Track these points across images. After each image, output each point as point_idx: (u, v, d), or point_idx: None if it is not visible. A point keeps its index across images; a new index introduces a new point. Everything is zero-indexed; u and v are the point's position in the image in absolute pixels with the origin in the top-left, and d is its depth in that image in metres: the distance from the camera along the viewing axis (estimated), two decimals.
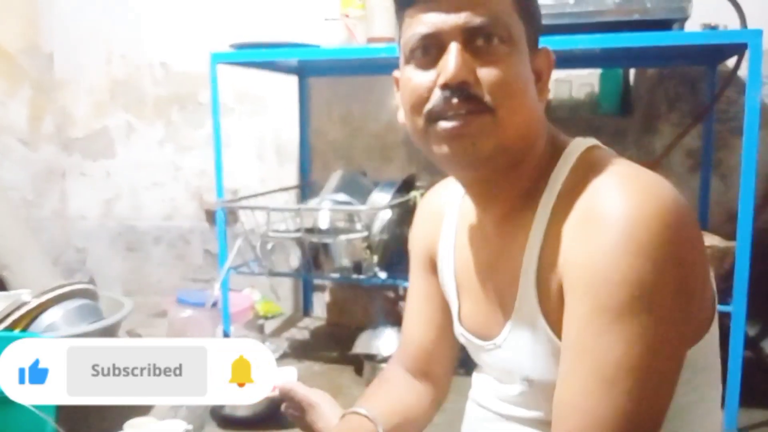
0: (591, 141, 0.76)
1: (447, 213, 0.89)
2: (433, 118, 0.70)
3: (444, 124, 0.69)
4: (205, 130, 2.71)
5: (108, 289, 2.79)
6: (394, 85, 0.82)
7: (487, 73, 0.68)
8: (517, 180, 0.75)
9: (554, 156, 0.75)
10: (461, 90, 0.68)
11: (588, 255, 0.64)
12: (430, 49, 0.70)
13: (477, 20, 0.68)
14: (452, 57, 0.68)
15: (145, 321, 2.56)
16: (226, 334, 2.03)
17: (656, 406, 0.63)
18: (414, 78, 0.72)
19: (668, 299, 0.62)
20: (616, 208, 0.63)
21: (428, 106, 0.70)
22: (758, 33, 1.51)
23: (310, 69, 2.46)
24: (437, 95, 0.69)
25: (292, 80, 2.54)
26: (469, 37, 0.68)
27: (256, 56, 2.01)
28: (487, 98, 0.68)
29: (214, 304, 1.91)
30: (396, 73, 0.80)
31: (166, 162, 2.82)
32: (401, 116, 0.78)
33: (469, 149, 0.69)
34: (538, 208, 0.72)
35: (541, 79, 0.74)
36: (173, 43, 2.74)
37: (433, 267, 0.92)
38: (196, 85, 2.73)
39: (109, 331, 1.64)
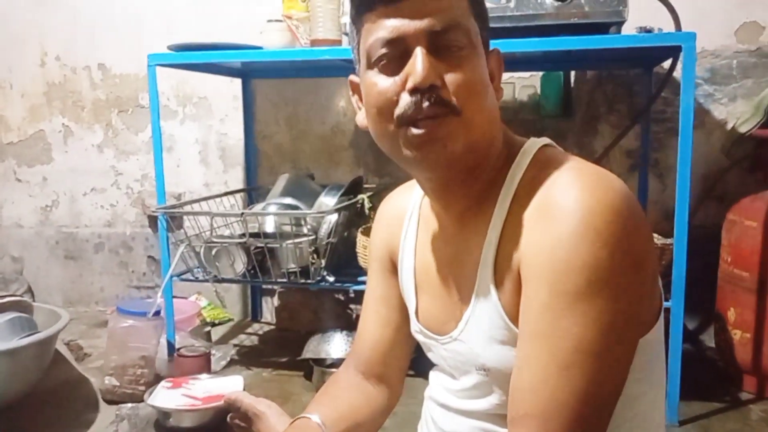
0: (545, 140, 0.79)
1: (408, 214, 0.91)
2: (403, 122, 0.71)
3: (415, 131, 0.71)
4: (146, 134, 2.65)
5: (47, 300, 2.71)
6: (350, 89, 0.83)
7: (452, 76, 0.70)
8: (477, 177, 0.77)
9: (510, 154, 0.77)
10: (430, 93, 0.69)
11: (546, 242, 0.66)
12: (394, 54, 0.71)
13: (439, 25, 0.69)
14: (420, 61, 0.69)
15: (87, 331, 2.48)
16: (170, 343, 1.98)
17: (611, 388, 0.66)
18: (380, 83, 0.72)
19: (623, 283, 0.65)
20: (571, 198, 0.66)
21: (398, 110, 0.71)
22: (692, 36, 1.56)
23: (253, 71, 2.43)
24: (406, 99, 0.70)
25: (236, 82, 2.50)
26: (432, 41, 0.70)
27: (196, 58, 1.96)
28: (454, 100, 0.70)
29: (157, 313, 1.86)
30: (353, 78, 0.81)
31: (105, 167, 2.74)
32: (361, 119, 0.80)
33: (441, 152, 0.71)
34: (496, 204, 0.75)
35: (494, 80, 0.77)
36: (112, 45, 2.66)
37: (393, 268, 0.93)
38: (136, 87, 2.66)
39: (45, 345, 1.58)
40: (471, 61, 0.71)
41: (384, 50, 0.71)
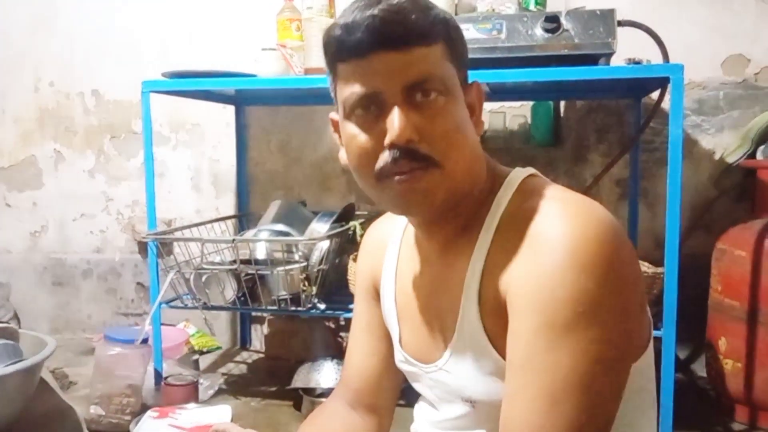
0: (530, 170, 0.80)
1: (390, 242, 0.91)
2: (383, 177, 0.72)
3: (395, 183, 0.71)
4: (138, 160, 2.64)
5: (34, 326, 2.66)
6: (331, 127, 0.83)
7: (430, 128, 0.70)
8: (461, 211, 0.77)
9: (495, 184, 0.77)
10: (408, 149, 0.69)
11: (533, 273, 0.66)
12: (370, 108, 0.71)
13: (413, 79, 0.69)
14: (396, 118, 0.69)
15: (73, 359, 2.44)
16: (157, 372, 1.95)
17: (602, 420, 0.65)
18: (358, 137, 0.73)
19: (611, 314, 0.64)
20: (558, 229, 0.66)
21: (377, 166, 0.72)
22: (680, 67, 1.58)
23: (247, 98, 2.44)
24: (385, 155, 0.70)
25: (230, 109, 2.51)
26: (407, 95, 0.70)
27: (190, 85, 1.97)
28: (433, 152, 0.70)
29: (145, 341, 1.83)
30: (333, 115, 0.81)
31: (96, 193, 2.73)
32: (343, 158, 0.79)
33: (422, 203, 0.73)
34: (480, 233, 0.74)
35: (474, 113, 0.77)
36: (106, 71, 2.67)
37: (376, 296, 0.93)
38: (129, 113, 2.66)
39: (30, 373, 1.55)
40: (448, 109, 0.71)
41: (360, 104, 0.71)
